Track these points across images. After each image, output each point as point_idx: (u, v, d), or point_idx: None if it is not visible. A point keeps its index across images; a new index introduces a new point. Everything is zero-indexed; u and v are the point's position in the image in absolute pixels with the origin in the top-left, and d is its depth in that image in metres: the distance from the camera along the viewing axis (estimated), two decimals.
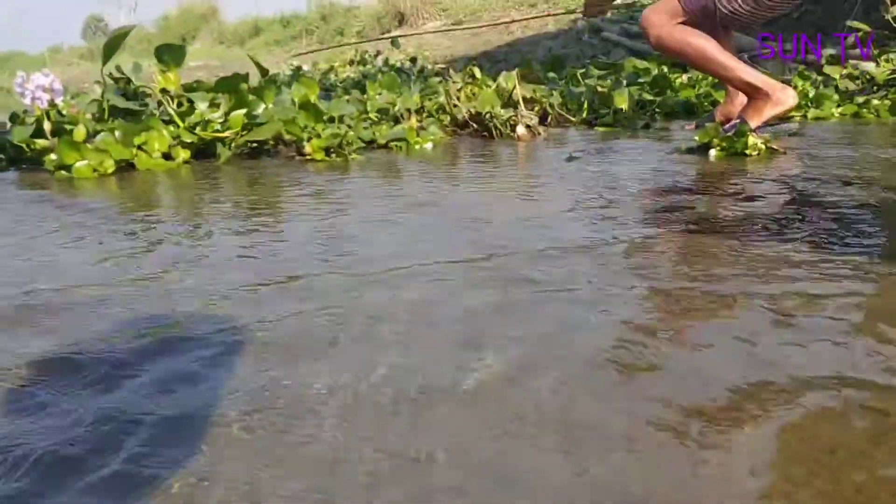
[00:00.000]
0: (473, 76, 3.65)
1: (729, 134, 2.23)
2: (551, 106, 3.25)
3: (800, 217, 1.38)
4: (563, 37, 9.23)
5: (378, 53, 11.10)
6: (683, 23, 2.59)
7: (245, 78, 2.66)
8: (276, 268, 1.18)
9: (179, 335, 0.90)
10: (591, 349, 0.82)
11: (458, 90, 3.36)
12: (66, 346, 0.87)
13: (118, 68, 2.70)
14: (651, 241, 1.25)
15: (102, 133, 2.32)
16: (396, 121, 3.00)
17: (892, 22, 3.22)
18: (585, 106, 3.25)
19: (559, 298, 0.98)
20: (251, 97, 2.58)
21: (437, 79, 3.63)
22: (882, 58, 3.35)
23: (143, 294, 1.06)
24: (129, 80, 2.71)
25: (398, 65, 9.51)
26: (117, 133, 2.33)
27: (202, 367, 0.80)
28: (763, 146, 2.16)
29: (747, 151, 2.16)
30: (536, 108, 3.32)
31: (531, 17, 3.64)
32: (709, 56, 2.57)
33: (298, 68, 9.22)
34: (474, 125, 3.01)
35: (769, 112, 2.59)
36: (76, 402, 0.73)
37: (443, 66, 9.72)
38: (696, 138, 2.26)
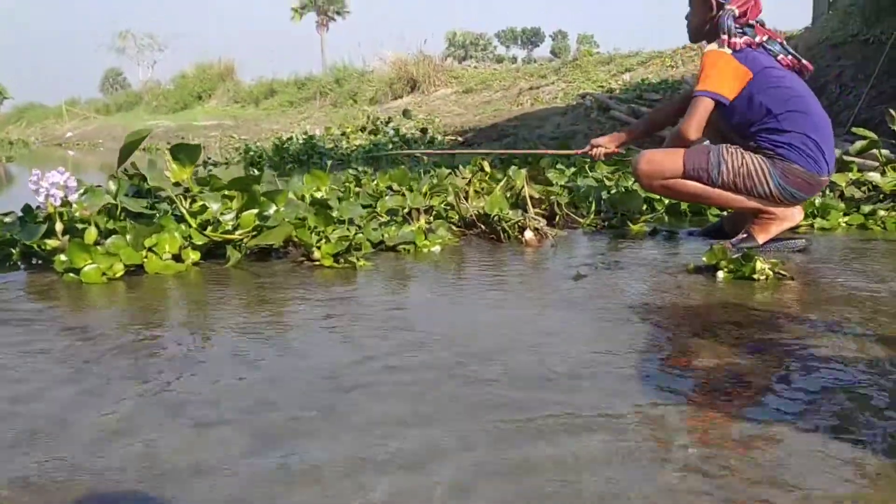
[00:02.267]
0: (482, 168, 3.71)
1: (737, 256, 2.24)
2: (559, 205, 3.28)
3: (810, 386, 1.36)
4: (572, 112, 9.40)
5: (390, 120, 11.31)
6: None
7: (258, 179, 2.70)
8: (268, 437, 1.16)
9: None
10: None
11: (467, 184, 3.40)
12: None
13: (133, 165, 2.75)
14: (662, 414, 1.24)
15: (113, 236, 2.34)
16: (406, 218, 3.03)
17: None
18: (593, 208, 3.28)
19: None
20: (263, 199, 2.61)
21: (447, 171, 3.67)
22: (888, 166, 3.38)
23: (125, 472, 1.05)
24: (143, 178, 2.75)
25: (408, 135, 9.68)
26: (128, 236, 2.35)
27: None
28: (770, 272, 2.16)
29: (755, 276, 2.16)
30: (544, 206, 3.36)
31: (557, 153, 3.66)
32: (706, 196, 2.61)
33: (311, 137, 9.39)
34: (482, 226, 3.04)
35: (776, 229, 2.61)
36: None
37: (452, 136, 9.89)
38: (705, 259, 2.27)
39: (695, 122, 2.53)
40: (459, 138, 9.66)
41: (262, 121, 17.22)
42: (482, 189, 3.42)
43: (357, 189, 3.47)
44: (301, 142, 9.02)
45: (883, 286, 2.07)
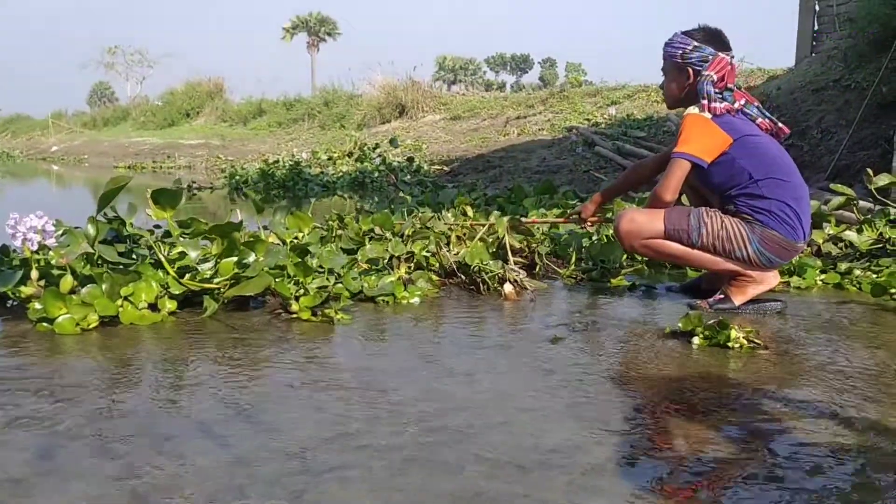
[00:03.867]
0: (465, 213, 3.72)
1: (712, 322, 2.25)
2: (539, 255, 3.30)
3: (780, 479, 1.37)
4: (558, 146, 9.47)
5: (377, 146, 11.34)
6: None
7: (238, 227, 2.69)
8: None
9: None
10: None
11: (450, 229, 3.41)
12: None
13: (113, 209, 2.73)
14: None
15: (89, 285, 2.32)
16: (387, 266, 3.02)
17: (874, 193, 3.32)
18: (573, 258, 3.29)
19: None
20: (242, 248, 2.60)
21: (431, 214, 3.67)
22: (865, 224, 3.43)
23: None
24: (123, 222, 2.73)
25: (394, 163, 9.71)
26: (104, 285, 2.33)
27: None
28: (745, 341, 2.17)
29: (730, 344, 2.17)
30: (525, 254, 3.37)
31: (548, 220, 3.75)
32: (685, 257, 2.63)
33: (298, 163, 9.39)
34: (462, 275, 3.04)
35: (752, 291, 2.63)
36: None
37: (439, 166, 9.92)
38: (680, 325, 2.28)
39: (671, 184, 2.56)
40: (446, 167, 9.71)
41: (249, 141, 17.19)
42: (464, 234, 3.43)
43: (340, 232, 3.47)
44: (287, 167, 9.01)
45: (854, 358, 2.09)
